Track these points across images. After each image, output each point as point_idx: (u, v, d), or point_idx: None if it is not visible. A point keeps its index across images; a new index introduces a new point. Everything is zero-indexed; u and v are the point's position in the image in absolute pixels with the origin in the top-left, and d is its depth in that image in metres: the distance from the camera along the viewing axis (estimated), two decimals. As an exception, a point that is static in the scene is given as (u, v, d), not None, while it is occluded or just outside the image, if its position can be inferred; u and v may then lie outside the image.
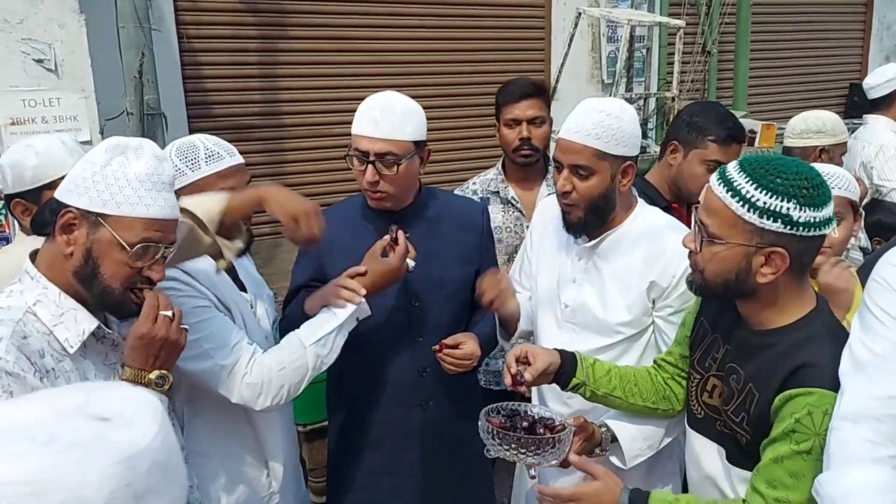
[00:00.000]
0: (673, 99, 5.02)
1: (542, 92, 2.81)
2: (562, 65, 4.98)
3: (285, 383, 1.79)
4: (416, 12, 5.30)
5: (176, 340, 1.48)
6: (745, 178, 1.37)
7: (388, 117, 1.92)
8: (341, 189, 4.71)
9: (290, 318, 2.05)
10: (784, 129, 4.58)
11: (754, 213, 1.35)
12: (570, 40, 4.97)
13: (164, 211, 1.42)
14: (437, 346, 2.01)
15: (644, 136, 5.46)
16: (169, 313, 1.47)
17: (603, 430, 1.82)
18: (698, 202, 1.50)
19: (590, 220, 1.93)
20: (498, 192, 2.82)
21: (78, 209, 1.37)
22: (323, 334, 1.83)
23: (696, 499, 1.62)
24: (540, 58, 5.88)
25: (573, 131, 1.85)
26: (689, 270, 1.54)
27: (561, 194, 1.90)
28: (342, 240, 2.06)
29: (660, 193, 2.47)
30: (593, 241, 1.97)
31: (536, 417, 1.75)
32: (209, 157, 1.79)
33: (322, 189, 4.99)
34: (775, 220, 1.34)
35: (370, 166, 1.93)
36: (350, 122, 1.98)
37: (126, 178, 1.37)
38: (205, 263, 1.84)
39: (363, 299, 1.86)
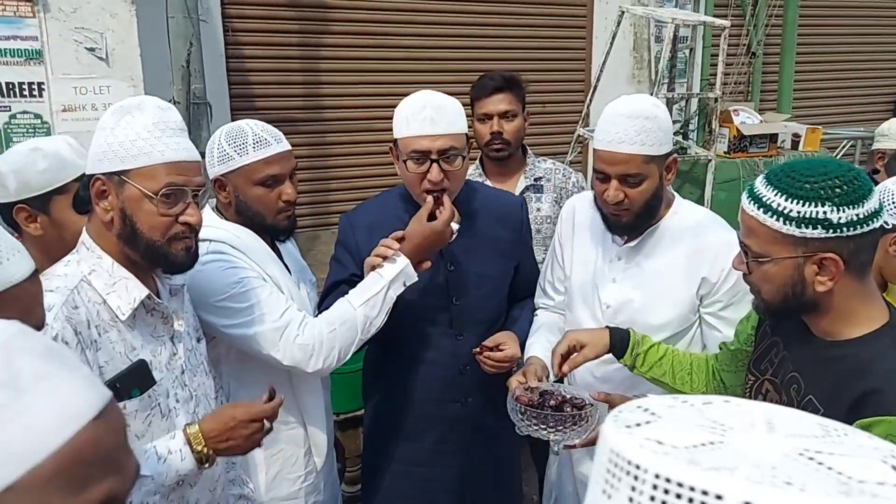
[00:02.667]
0: (716, 100, 4.96)
1: (515, 86, 2.78)
2: (603, 64, 4.95)
3: (336, 344, 1.83)
4: (459, 9, 5.31)
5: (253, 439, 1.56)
6: (773, 190, 1.34)
7: (443, 114, 1.92)
8: (382, 183, 4.75)
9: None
10: (829, 133, 4.51)
11: (791, 224, 1.31)
12: (612, 39, 4.94)
13: (178, 153, 1.45)
14: (477, 349, 2.03)
15: (685, 136, 5.40)
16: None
17: None
18: None
19: (641, 222, 1.92)
20: None
21: (103, 174, 1.43)
22: (370, 295, 1.85)
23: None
24: (581, 57, 5.85)
25: (617, 142, 1.81)
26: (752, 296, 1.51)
27: (613, 204, 1.87)
28: (381, 234, 2.07)
29: None
30: (635, 241, 1.96)
31: (567, 397, 1.82)
32: (256, 143, 1.84)
33: (364, 183, 5.04)
34: (815, 227, 1.30)
35: (435, 165, 1.91)
36: (392, 117, 1.99)
37: (136, 132, 1.42)
38: (252, 239, 1.89)
39: (409, 267, 1.87)
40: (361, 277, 2.06)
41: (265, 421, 1.55)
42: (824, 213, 1.29)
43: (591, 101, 5.00)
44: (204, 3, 4.14)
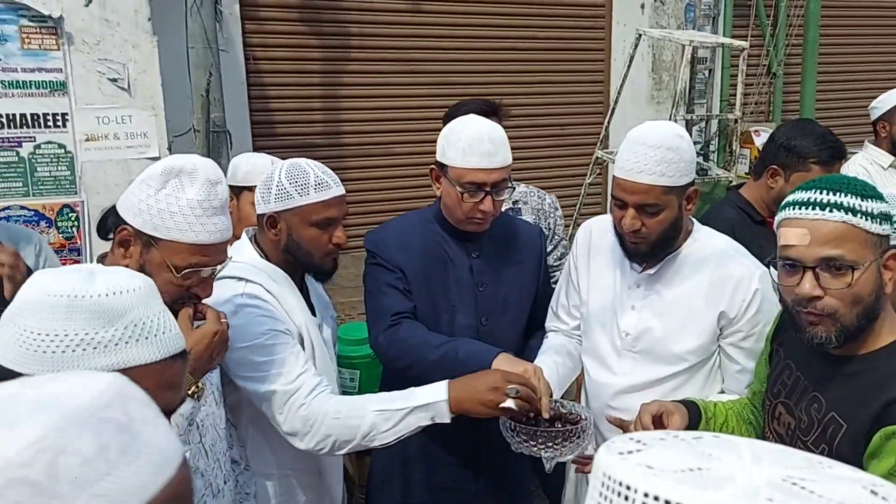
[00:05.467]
0: (736, 121, 4.94)
1: (495, 111, 2.76)
2: (620, 86, 4.95)
3: (333, 434, 1.75)
4: (476, 34, 5.35)
5: (228, 347, 1.54)
6: (848, 195, 1.31)
7: (499, 147, 1.96)
8: (401, 207, 4.76)
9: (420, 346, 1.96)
10: (854, 153, 4.46)
11: (876, 222, 1.30)
12: (630, 62, 4.94)
13: (211, 237, 1.47)
14: None
15: (706, 158, 5.37)
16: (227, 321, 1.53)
17: None
18: None
19: (658, 251, 1.90)
20: None
21: (134, 228, 1.44)
22: (391, 408, 1.75)
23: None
24: (599, 79, 5.85)
25: (636, 172, 1.78)
26: (811, 326, 1.37)
27: (630, 233, 1.85)
28: (410, 253, 2.08)
29: (755, 209, 2.52)
30: (654, 269, 1.94)
31: (562, 413, 1.80)
32: (318, 184, 1.83)
33: (383, 207, 5.06)
34: (890, 223, 1.32)
35: (489, 197, 1.95)
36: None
37: (178, 205, 1.43)
38: (286, 284, 1.88)
39: (445, 405, 1.74)
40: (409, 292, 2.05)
41: None
42: (887, 208, 1.31)
43: (609, 122, 5.00)
44: (225, 33, 4.20)
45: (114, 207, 1.51)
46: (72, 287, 0.96)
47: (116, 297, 0.98)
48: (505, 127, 2.80)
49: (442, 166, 2.00)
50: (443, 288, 2.05)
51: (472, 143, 1.94)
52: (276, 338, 1.78)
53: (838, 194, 1.31)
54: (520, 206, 2.83)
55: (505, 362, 1.84)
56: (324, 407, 1.76)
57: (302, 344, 1.87)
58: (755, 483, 0.52)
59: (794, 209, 1.36)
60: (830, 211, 1.31)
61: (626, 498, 0.54)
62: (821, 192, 1.33)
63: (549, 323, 2.23)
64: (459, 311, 2.05)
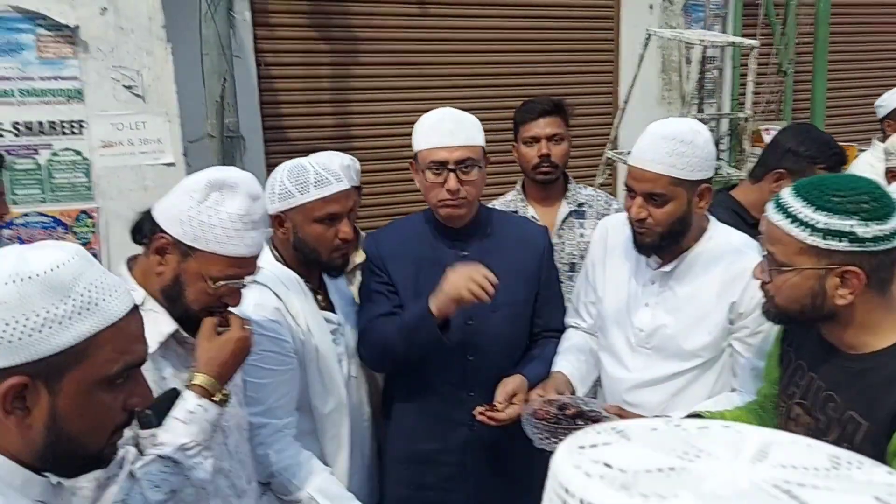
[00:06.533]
0: (746, 119, 4.93)
1: (561, 110, 2.78)
2: (631, 86, 4.95)
3: (271, 480, 1.84)
4: (485, 37, 5.37)
5: (250, 353, 1.56)
6: (801, 202, 1.35)
7: (461, 126, 2.01)
8: (412, 210, 4.78)
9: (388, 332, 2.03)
10: (863, 150, 4.45)
11: (817, 235, 1.33)
12: (640, 62, 4.95)
13: (248, 250, 1.50)
14: (482, 408, 1.99)
15: (717, 157, 5.37)
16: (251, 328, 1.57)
17: None
18: None
19: (665, 244, 1.91)
20: (517, 212, 2.79)
21: (172, 237, 1.46)
22: None
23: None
24: (609, 80, 5.86)
25: (647, 160, 1.82)
26: (763, 300, 1.52)
27: (636, 221, 1.88)
28: (403, 258, 2.09)
29: (749, 212, 2.48)
30: (668, 267, 1.95)
31: (583, 410, 1.85)
32: (318, 181, 1.87)
33: (393, 210, 5.07)
34: (841, 239, 1.31)
35: (452, 174, 1.97)
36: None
37: (218, 218, 1.45)
38: (298, 288, 1.90)
39: None
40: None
41: None
42: (851, 226, 1.31)
43: (619, 123, 5.01)
44: (238, 39, 4.24)
45: (149, 213, 1.52)
46: (13, 271, 0.94)
47: (61, 268, 0.97)
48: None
49: (415, 156, 2.05)
50: (431, 289, 2.07)
51: (434, 123, 2.02)
52: (267, 360, 1.81)
53: (796, 199, 1.37)
54: (584, 209, 2.80)
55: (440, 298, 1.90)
56: (277, 455, 1.83)
57: (304, 350, 1.90)
58: (731, 488, 0.46)
59: (770, 201, 1.46)
60: (775, 212, 1.40)
61: (565, 502, 0.49)
62: (787, 193, 1.40)
63: (569, 320, 2.24)
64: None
